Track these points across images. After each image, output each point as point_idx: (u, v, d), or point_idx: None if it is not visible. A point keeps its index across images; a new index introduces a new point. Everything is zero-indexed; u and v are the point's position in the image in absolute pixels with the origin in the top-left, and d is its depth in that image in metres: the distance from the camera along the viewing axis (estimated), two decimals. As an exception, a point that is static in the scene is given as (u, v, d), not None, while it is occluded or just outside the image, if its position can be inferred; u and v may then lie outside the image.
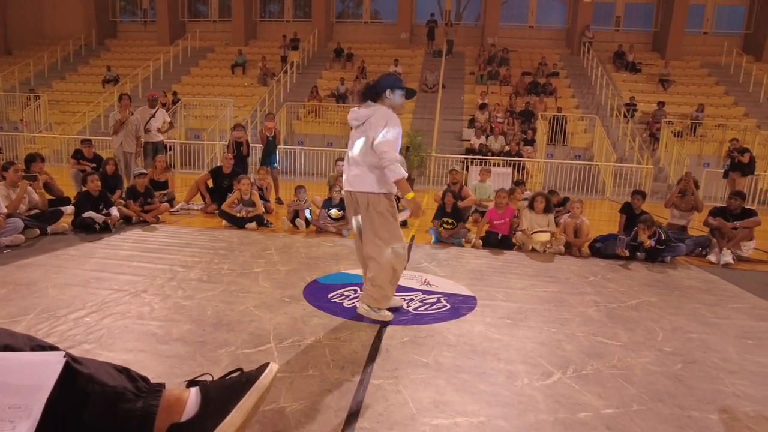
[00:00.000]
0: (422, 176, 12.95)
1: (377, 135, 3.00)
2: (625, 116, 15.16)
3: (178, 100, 16.20)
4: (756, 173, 11.63)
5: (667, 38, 19.61)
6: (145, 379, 1.32)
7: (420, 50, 20.24)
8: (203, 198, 7.49)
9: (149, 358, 2.55)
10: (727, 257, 5.51)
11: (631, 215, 5.85)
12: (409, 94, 3.29)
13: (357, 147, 3.16)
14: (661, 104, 15.70)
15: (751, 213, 5.97)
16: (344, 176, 3.29)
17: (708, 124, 15.45)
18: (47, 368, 1.09)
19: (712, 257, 5.67)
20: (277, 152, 8.84)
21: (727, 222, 5.86)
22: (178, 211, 7.26)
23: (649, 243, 5.28)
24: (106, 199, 6.00)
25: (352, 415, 2.09)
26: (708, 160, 14.33)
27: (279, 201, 8.27)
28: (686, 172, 6.79)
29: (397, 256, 3.14)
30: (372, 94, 3.19)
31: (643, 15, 20.90)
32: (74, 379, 1.16)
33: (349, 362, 2.59)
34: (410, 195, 3.12)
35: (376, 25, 22.02)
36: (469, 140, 14.28)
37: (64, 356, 1.15)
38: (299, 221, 6.26)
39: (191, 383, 1.31)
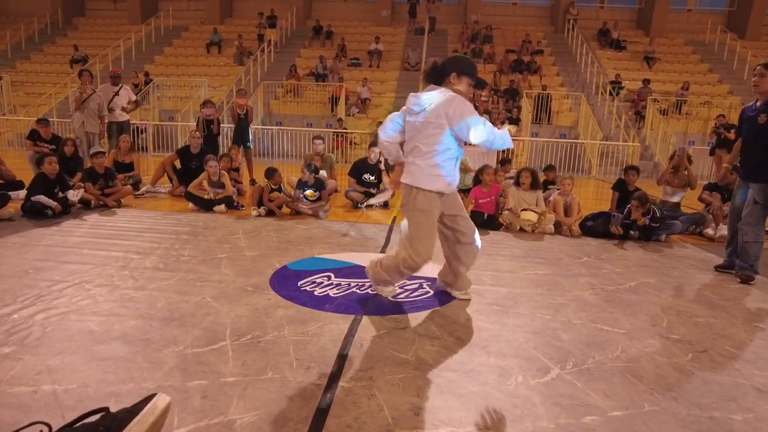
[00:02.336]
0: (405, 157, 12.55)
1: (460, 128, 2.75)
2: (610, 94, 14.87)
3: (151, 80, 15.48)
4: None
5: (651, 15, 19.30)
6: None
7: (401, 28, 19.65)
8: (170, 180, 7.01)
9: (80, 361, 2.16)
10: (725, 230, 5.29)
11: (624, 192, 5.54)
12: (480, 84, 2.98)
13: (416, 135, 2.86)
14: (646, 82, 15.44)
15: (747, 188, 5.72)
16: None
17: (693, 102, 15.25)
18: None
19: (709, 230, 5.44)
20: (250, 131, 8.34)
21: (723, 199, 5.61)
22: (143, 194, 6.78)
23: (643, 221, 4.99)
24: (63, 182, 5.51)
25: (316, 427, 1.74)
26: (693, 137, 14.16)
27: (253, 182, 7.82)
28: (680, 147, 6.49)
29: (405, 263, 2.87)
30: (436, 76, 2.88)
31: (627, -8, 20.54)
32: None
33: (315, 361, 2.22)
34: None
35: (356, 2, 21.29)
36: (453, 119, 13.86)
37: None
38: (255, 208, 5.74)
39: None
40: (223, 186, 5.99)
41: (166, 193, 6.88)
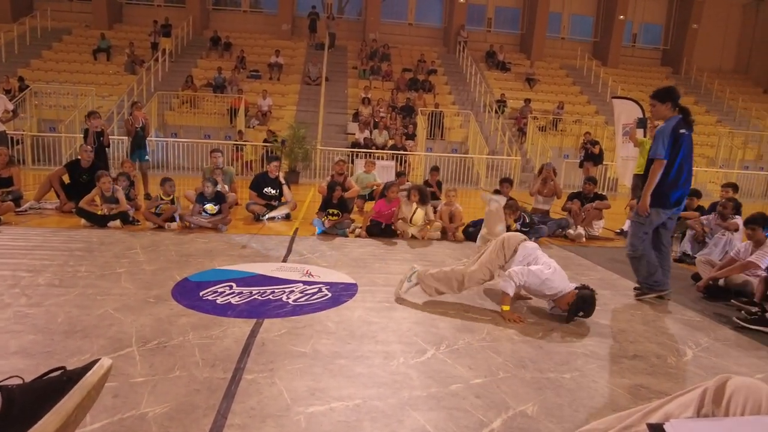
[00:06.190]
0: (307, 169, 12.79)
1: None
2: (496, 112, 16.29)
3: (27, 86, 14.28)
4: (605, 163, 13.12)
5: (531, 41, 21.41)
6: None
7: (302, 42, 19.94)
8: (57, 195, 6.66)
9: (-22, 375, 2.19)
10: (580, 230, 6.27)
11: (500, 201, 6.28)
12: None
13: None
14: (527, 101, 17.11)
15: (602, 197, 6.76)
16: None
17: (567, 120, 17.16)
18: None
19: (571, 231, 6.36)
20: (147, 144, 8.17)
21: (582, 204, 6.58)
22: (26, 210, 6.37)
23: (515, 226, 5.71)
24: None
25: (223, 413, 1.97)
26: (567, 151, 15.91)
27: (148, 197, 7.64)
28: (547, 163, 7.45)
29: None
30: None
31: (511, 18, 22.59)
32: None
33: (220, 360, 2.45)
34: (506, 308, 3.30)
35: (255, 14, 21.26)
36: (354, 134, 14.39)
37: None
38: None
39: (-9, 388, 1.12)
40: (117, 201, 5.86)
41: (53, 210, 6.53)
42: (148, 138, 8.45)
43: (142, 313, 3.03)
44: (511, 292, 3.26)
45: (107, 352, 2.47)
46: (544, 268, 3.30)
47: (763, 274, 3.83)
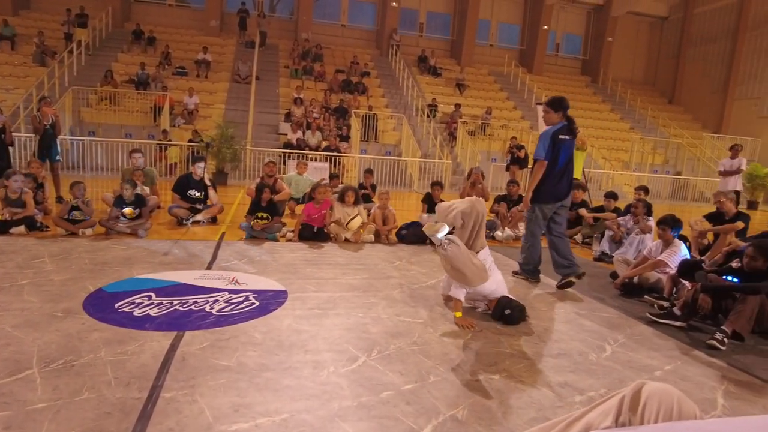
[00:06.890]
0: (236, 170, 12.37)
1: None
2: (428, 116, 16.57)
3: None
4: (530, 166, 13.68)
5: (461, 47, 21.98)
6: None
7: (231, 39, 19.30)
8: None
9: None
10: (509, 232, 6.51)
11: (431, 204, 6.37)
12: None
13: None
14: (457, 106, 17.52)
15: (526, 199, 7.03)
16: None
17: (495, 125, 17.75)
18: None
19: (498, 233, 6.56)
20: (57, 143, 7.55)
21: (509, 207, 6.81)
22: None
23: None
24: None
25: (136, 437, 1.82)
26: (495, 155, 16.44)
27: (60, 200, 7.07)
28: (475, 167, 7.66)
29: None
30: None
31: (442, 24, 23.08)
32: None
33: (136, 378, 2.27)
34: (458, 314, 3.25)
35: (182, 9, 20.35)
36: (286, 134, 14.11)
37: None
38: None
39: None
40: (23, 205, 5.35)
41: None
42: (59, 137, 7.82)
43: (47, 329, 2.76)
44: (462, 297, 3.32)
45: (1, 376, 2.22)
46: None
47: (672, 271, 4.12)
